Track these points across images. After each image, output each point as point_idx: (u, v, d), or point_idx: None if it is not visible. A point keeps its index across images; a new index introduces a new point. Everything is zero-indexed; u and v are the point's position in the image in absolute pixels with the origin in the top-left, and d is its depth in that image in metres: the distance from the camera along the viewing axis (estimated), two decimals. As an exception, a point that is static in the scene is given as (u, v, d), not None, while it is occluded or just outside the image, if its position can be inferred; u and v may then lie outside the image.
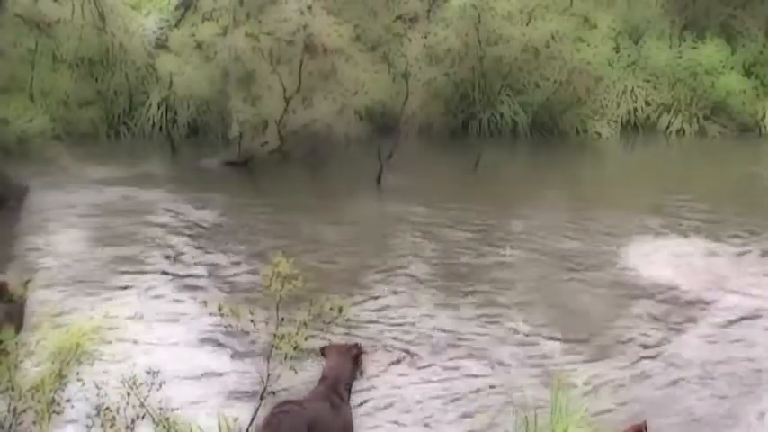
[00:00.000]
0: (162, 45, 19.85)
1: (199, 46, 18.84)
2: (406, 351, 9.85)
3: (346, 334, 9.64)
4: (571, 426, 6.98)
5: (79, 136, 19.31)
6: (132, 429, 6.32)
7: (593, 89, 21.10)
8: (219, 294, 11.30)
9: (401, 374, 9.36)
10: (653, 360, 9.82)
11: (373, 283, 11.85)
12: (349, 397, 6.87)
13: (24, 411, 6.32)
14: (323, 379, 6.86)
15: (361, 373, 7.04)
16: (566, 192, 17.19)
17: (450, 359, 9.73)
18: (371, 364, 7.77)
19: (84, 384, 6.46)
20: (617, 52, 21.80)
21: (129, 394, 6.39)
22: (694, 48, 22.01)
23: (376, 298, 11.34)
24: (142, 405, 6.38)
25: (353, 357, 6.98)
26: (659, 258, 13.00)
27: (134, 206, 15.29)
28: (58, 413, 6.36)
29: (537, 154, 20.09)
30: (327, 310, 6.64)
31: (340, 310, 6.67)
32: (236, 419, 7.22)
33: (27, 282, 8.35)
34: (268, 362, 6.53)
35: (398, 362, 9.57)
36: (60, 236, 13.64)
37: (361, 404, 8.30)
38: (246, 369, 9.02)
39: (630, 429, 6.82)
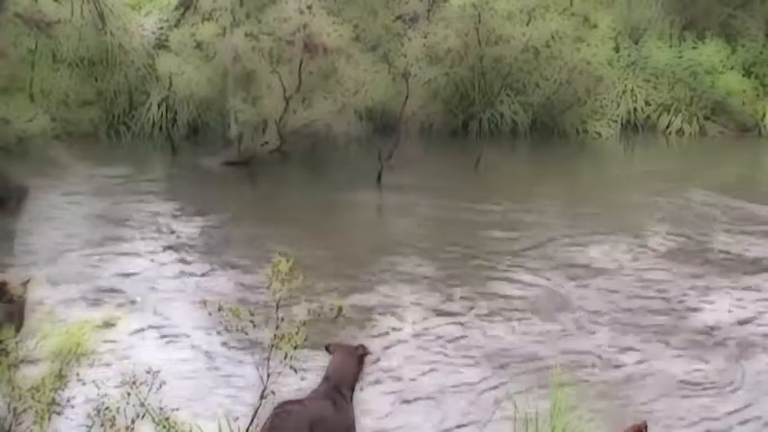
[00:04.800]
0: (162, 45, 19.84)
1: (199, 46, 18.82)
2: (402, 349, 9.87)
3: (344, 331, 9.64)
4: (571, 424, 6.98)
5: (79, 136, 19.31)
6: (132, 429, 6.32)
7: (593, 89, 21.09)
8: (219, 294, 11.30)
9: (397, 371, 9.37)
10: (655, 358, 9.82)
11: (374, 283, 11.84)
12: (352, 398, 6.87)
13: (24, 411, 6.32)
14: (326, 379, 6.86)
15: (363, 374, 7.03)
16: (566, 192, 17.18)
17: (450, 358, 9.74)
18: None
19: (84, 384, 6.46)
20: (617, 52, 21.80)
21: (129, 394, 6.39)
22: (694, 48, 22.02)
23: (376, 297, 11.34)
24: (142, 405, 6.38)
25: (359, 358, 6.97)
26: (663, 258, 13.01)
27: (134, 206, 15.29)
28: (58, 413, 6.36)
29: (537, 154, 20.10)
30: (327, 311, 6.64)
31: (339, 310, 6.67)
32: (236, 419, 7.22)
33: (27, 282, 8.34)
34: (268, 362, 6.52)
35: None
36: (60, 236, 13.63)
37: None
38: (246, 369, 9.01)
39: (630, 429, 6.82)
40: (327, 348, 7.03)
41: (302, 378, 6.66)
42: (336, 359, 6.91)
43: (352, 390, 6.87)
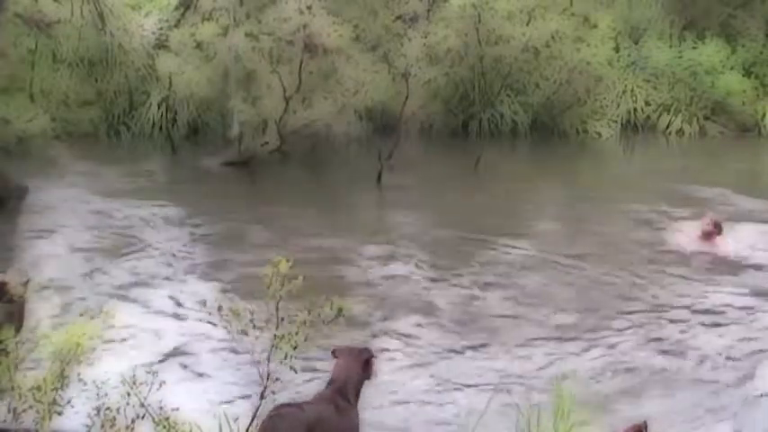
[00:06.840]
0: (162, 45, 19.85)
1: (199, 46, 18.83)
2: (405, 349, 9.86)
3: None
4: (574, 426, 6.97)
5: (79, 136, 19.32)
6: (132, 429, 6.31)
7: (593, 89, 21.11)
8: (219, 294, 11.30)
9: (399, 374, 9.37)
10: (658, 357, 9.82)
11: (374, 283, 11.85)
12: (357, 401, 6.83)
13: (24, 411, 6.32)
14: (331, 382, 6.82)
15: (371, 377, 6.97)
16: (566, 191, 17.19)
17: (450, 358, 9.74)
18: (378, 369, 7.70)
19: (85, 384, 6.46)
20: (617, 52, 21.81)
21: (129, 394, 6.39)
22: (694, 48, 22.02)
23: (376, 297, 11.35)
24: (142, 405, 6.38)
25: (364, 361, 6.92)
26: (666, 256, 13.02)
27: (134, 206, 15.27)
28: (59, 414, 6.36)
29: (537, 154, 20.11)
30: (327, 311, 6.62)
31: (340, 310, 6.65)
32: (236, 419, 7.21)
33: (27, 282, 8.33)
34: (268, 362, 6.52)
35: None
36: (60, 236, 13.63)
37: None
38: (246, 369, 9.00)
39: (631, 429, 6.82)
40: (333, 353, 6.99)
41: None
42: (341, 363, 6.88)
43: (358, 393, 6.83)
